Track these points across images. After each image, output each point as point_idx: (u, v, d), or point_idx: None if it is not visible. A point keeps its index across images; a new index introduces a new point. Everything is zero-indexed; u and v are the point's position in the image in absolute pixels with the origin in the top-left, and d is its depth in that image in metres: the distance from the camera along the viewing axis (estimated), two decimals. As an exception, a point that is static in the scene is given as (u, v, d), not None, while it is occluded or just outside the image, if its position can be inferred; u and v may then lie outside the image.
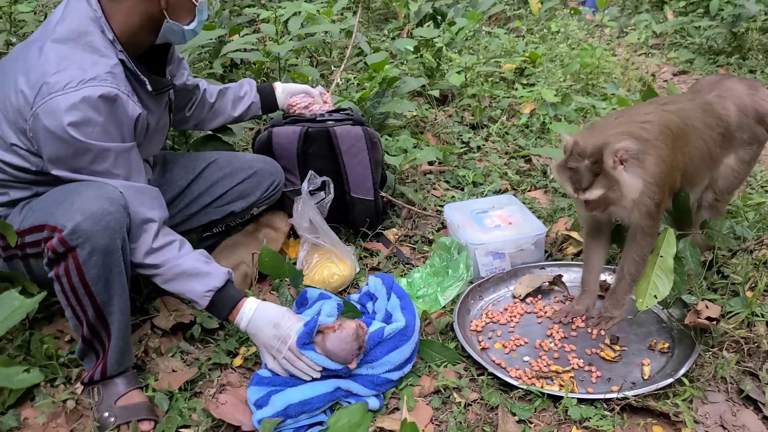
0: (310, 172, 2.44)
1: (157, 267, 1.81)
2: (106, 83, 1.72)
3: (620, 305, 2.12)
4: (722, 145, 2.15)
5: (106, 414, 1.80)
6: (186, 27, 1.90)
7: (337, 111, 2.60)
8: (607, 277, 2.33)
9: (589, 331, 2.12)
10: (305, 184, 2.40)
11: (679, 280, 1.98)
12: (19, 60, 1.81)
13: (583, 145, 1.85)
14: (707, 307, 1.96)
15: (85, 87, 1.68)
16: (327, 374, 1.84)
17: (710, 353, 1.97)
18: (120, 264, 1.73)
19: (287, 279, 2.24)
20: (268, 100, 2.49)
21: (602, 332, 2.11)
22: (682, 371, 1.85)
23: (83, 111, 1.67)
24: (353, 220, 2.62)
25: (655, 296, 1.93)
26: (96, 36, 1.78)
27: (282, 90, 2.50)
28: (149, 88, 1.89)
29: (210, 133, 2.62)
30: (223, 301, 1.85)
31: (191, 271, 1.82)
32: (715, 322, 1.96)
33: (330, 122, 2.52)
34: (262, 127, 2.63)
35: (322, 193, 2.46)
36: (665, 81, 4.49)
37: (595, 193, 1.87)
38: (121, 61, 1.81)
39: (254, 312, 1.85)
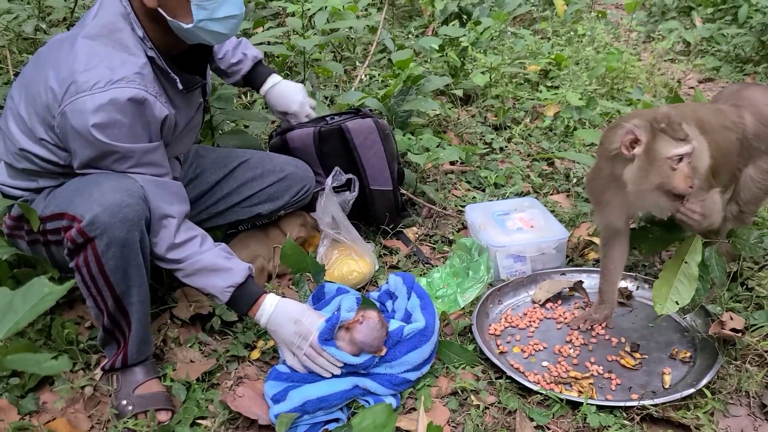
0: (336, 168, 2.43)
1: (179, 262, 1.81)
2: (134, 84, 1.70)
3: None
4: (740, 154, 2.12)
5: (124, 402, 1.81)
6: (185, 26, 1.77)
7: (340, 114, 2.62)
8: (628, 284, 2.31)
9: (607, 338, 2.10)
10: (329, 180, 2.40)
11: (702, 287, 1.95)
12: (51, 55, 1.80)
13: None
14: (732, 318, 1.93)
15: (113, 88, 1.67)
16: (346, 371, 1.84)
17: (733, 365, 1.95)
18: (138, 256, 1.73)
19: (308, 274, 2.24)
20: (254, 81, 2.42)
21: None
22: (704, 381, 1.83)
23: (109, 113, 1.66)
24: (374, 213, 2.61)
25: (677, 302, 1.91)
26: (126, 33, 1.76)
27: (272, 84, 2.42)
28: (180, 86, 1.86)
29: (236, 126, 2.61)
30: (244, 297, 1.85)
31: (212, 266, 1.81)
32: (740, 334, 1.93)
33: (340, 118, 2.52)
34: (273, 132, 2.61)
35: (347, 191, 2.46)
36: (691, 88, 4.44)
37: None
38: (151, 58, 1.78)
39: (275, 309, 1.85)
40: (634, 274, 2.34)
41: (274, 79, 2.43)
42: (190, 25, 1.78)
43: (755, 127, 2.12)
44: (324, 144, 2.50)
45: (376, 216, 2.62)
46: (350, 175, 2.46)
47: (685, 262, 1.95)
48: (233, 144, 2.60)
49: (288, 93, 2.44)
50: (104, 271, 1.71)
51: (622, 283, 2.28)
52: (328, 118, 2.53)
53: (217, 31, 1.82)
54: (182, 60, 1.93)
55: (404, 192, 2.84)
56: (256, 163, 2.33)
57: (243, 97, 3.61)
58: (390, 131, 2.57)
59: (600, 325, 2.14)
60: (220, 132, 2.73)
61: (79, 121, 1.66)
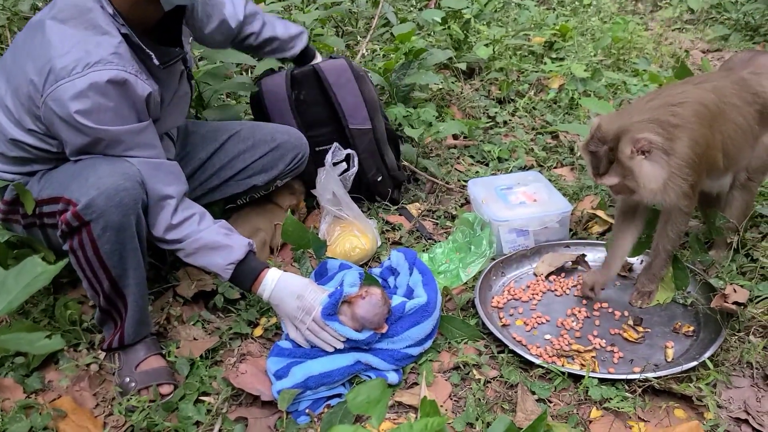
0: (335, 143, 2.42)
1: (178, 242, 1.81)
2: (112, 66, 1.65)
3: (656, 279, 2.10)
4: (760, 122, 2.08)
5: (127, 379, 1.83)
6: None
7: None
8: (633, 260, 2.29)
9: (616, 312, 2.10)
10: (329, 156, 2.38)
11: (683, 274, 2.09)
12: (26, 43, 1.75)
13: (605, 129, 1.84)
14: (735, 291, 1.92)
15: (91, 71, 1.63)
16: (349, 346, 1.85)
17: (736, 338, 1.94)
18: (134, 240, 1.73)
19: (309, 250, 2.24)
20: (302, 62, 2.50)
21: (643, 306, 2.11)
22: (707, 354, 1.82)
23: (91, 98, 1.63)
24: (361, 163, 2.53)
25: (659, 302, 2.10)
26: (97, 12, 1.70)
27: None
28: (156, 61, 1.80)
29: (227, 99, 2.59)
30: (245, 273, 1.84)
31: (212, 244, 1.81)
32: (742, 307, 1.92)
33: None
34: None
35: (346, 165, 2.45)
36: (700, 58, 4.37)
37: (610, 180, 1.88)
38: (125, 35, 1.73)
39: (276, 283, 1.85)
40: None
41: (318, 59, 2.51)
42: None
43: None
44: (299, 90, 2.49)
45: (363, 167, 2.55)
46: (349, 151, 2.44)
47: None
48: (218, 118, 2.58)
49: None
50: (99, 255, 1.70)
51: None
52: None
53: None
54: (157, 33, 1.88)
55: (407, 165, 2.82)
56: (246, 134, 2.30)
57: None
58: (365, 73, 2.58)
59: (593, 291, 2.15)
60: (213, 106, 2.71)
61: (62, 109, 1.63)
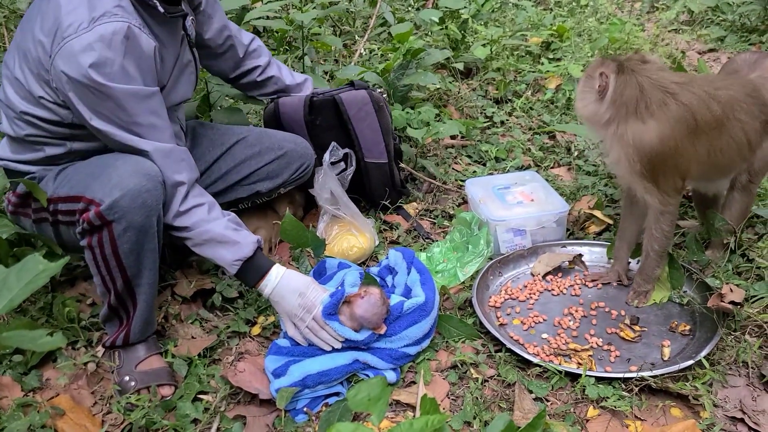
0: (333, 143, 2.42)
1: (186, 230, 1.81)
2: (116, 18, 1.65)
3: (651, 279, 2.11)
4: (765, 130, 2.09)
5: (127, 378, 1.83)
6: None
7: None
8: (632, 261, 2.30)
9: (623, 308, 2.11)
10: (327, 155, 2.39)
11: (678, 273, 2.09)
12: (34, 9, 1.78)
13: (602, 60, 1.99)
14: (732, 290, 1.93)
15: (97, 25, 1.63)
16: (347, 345, 1.85)
17: (732, 337, 1.95)
18: (153, 240, 1.74)
19: (308, 249, 2.24)
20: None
21: (641, 305, 2.13)
22: (704, 353, 1.83)
23: (99, 51, 1.62)
24: (370, 188, 2.60)
25: (655, 301, 2.11)
26: None
27: None
28: (161, 9, 1.78)
29: (234, 103, 2.61)
30: (252, 270, 1.85)
31: (221, 238, 1.81)
32: (738, 307, 1.93)
33: (334, 91, 2.52)
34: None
35: (344, 165, 2.45)
36: (696, 59, 4.39)
37: (581, 103, 2.02)
38: None
39: (279, 280, 1.85)
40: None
41: None
42: None
43: None
44: (316, 116, 2.48)
45: (372, 191, 2.61)
46: (347, 150, 2.45)
47: None
48: (226, 121, 2.59)
49: None
50: (118, 254, 1.71)
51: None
52: (319, 92, 2.52)
53: None
54: None
55: (404, 167, 2.83)
56: (254, 140, 2.30)
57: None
58: (384, 103, 2.55)
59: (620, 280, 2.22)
60: (219, 108, 2.72)
61: (71, 66, 1.63)
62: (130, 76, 1.69)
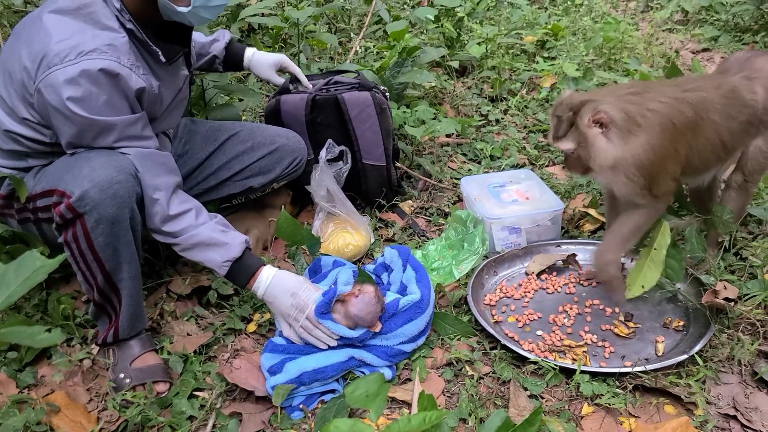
0: (329, 140, 2.42)
1: (175, 235, 1.80)
2: (105, 56, 1.66)
3: (610, 252, 2.08)
4: (748, 132, 2.09)
5: (122, 375, 1.83)
6: (179, 8, 1.77)
7: (338, 73, 2.62)
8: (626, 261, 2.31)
9: (602, 308, 2.12)
10: (323, 152, 2.39)
11: (677, 266, 2.04)
12: (23, 32, 1.77)
13: (574, 98, 1.93)
14: (726, 287, 1.94)
15: (84, 60, 1.63)
16: (342, 343, 1.85)
17: (725, 334, 1.96)
18: (128, 233, 1.73)
19: (303, 247, 2.24)
20: (233, 61, 2.45)
21: (619, 298, 2.11)
22: (697, 348, 1.85)
23: (83, 86, 1.63)
24: (366, 189, 2.61)
25: (643, 286, 2.01)
26: (97, 7, 1.71)
27: (253, 54, 2.45)
28: (162, 59, 1.83)
29: (230, 99, 2.60)
30: (242, 271, 1.85)
31: (209, 241, 1.81)
32: (732, 303, 1.94)
33: (338, 89, 2.51)
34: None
35: (340, 162, 2.45)
36: (690, 58, 4.41)
37: (566, 145, 1.94)
38: (129, 30, 1.75)
39: (271, 281, 1.85)
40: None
41: (249, 52, 2.45)
42: (185, 9, 1.77)
43: (766, 100, 2.09)
44: (317, 113, 2.48)
45: (369, 191, 2.62)
46: (343, 147, 2.45)
47: (655, 249, 2.02)
48: (218, 117, 2.58)
49: (260, 64, 2.46)
50: (93, 247, 1.70)
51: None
52: (324, 88, 2.51)
53: (204, 16, 1.83)
54: (164, 30, 1.89)
55: (400, 165, 2.83)
56: (246, 136, 2.30)
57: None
58: (387, 106, 2.55)
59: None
60: (215, 105, 2.71)
61: (53, 96, 1.63)
62: (116, 107, 1.70)
